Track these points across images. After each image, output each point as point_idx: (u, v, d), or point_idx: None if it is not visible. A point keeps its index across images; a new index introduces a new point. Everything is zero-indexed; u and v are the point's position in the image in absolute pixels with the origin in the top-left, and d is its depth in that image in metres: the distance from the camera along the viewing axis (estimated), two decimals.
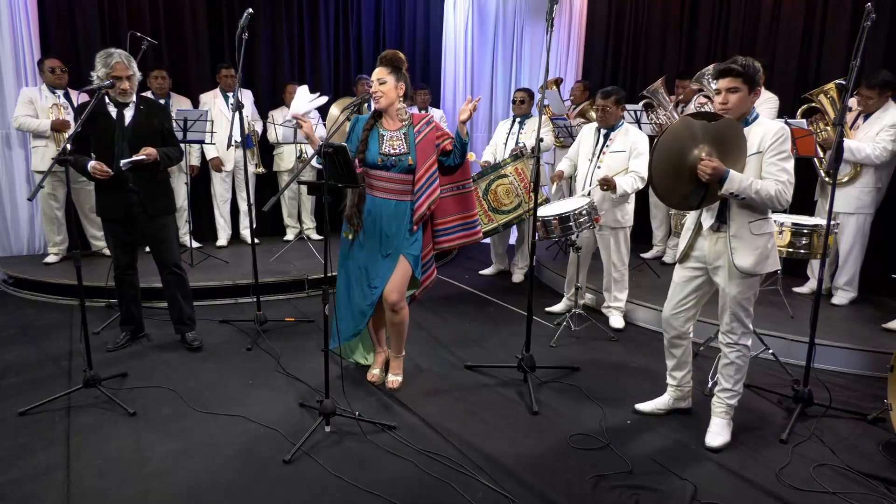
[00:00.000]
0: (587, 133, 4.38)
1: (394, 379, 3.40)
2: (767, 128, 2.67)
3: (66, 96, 5.10)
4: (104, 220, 3.74)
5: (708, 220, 2.81)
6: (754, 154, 2.67)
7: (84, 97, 5.13)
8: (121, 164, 3.42)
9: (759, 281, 2.81)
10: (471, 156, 5.20)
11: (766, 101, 4.82)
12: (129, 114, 3.54)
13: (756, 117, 2.73)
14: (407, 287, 3.27)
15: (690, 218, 2.93)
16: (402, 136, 3.14)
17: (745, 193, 2.59)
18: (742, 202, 2.67)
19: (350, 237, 3.27)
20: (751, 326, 2.84)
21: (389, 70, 3.10)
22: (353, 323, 3.33)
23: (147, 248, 4.01)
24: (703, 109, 4.77)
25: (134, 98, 3.56)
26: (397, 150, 3.12)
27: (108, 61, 3.36)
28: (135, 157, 3.43)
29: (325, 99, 3.22)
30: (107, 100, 3.51)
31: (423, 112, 6.31)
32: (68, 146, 2.95)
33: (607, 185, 4.02)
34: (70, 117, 5.05)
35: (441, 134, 3.19)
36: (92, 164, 3.43)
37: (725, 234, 2.74)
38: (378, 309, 3.32)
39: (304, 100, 3.17)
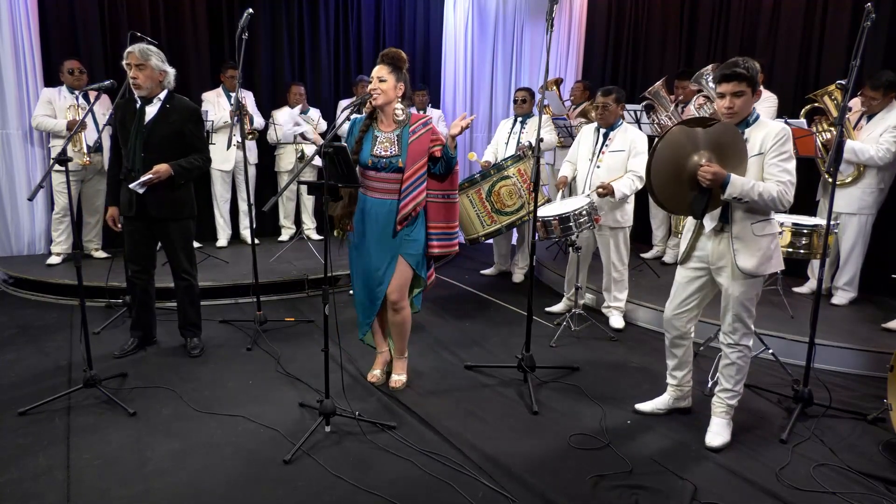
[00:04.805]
0: (586, 133, 4.37)
1: (397, 378, 3.40)
2: (769, 129, 2.65)
3: (85, 97, 5.13)
4: (122, 215, 3.61)
5: (710, 221, 2.80)
6: (756, 155, 2.65)
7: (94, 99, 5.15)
8: (129, 186, 3.36)
9: (763, 281, 2.81)
10: (472, 155, 5.21)
11: (765, 101, 4.81)
12: (150, 111, 3.43)
13: (757, 118, 2.71)
14: (410, 286, 3.28)
15: (691, 219, 2.91)
16: (396, 137, 3.12)
17: (747, 197, 2.57)
18: (745, 205, 2.65)
19: (337, 236, 3.28)
20: (752, 327, 2.83)
21: (390, 69, 3.07)
22: (364, 317, 3.39)
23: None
24: (702, 110, 4.77)
25: (161, 95, 3.45)
26: (388, 153, 3.10)
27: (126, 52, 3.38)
28: (143, 178, 3.33)
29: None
30: (136, 95, 3.43)
31: (421, 112, 6.32)
32: (68, 146, 2.95)
33: (605, 191, 4.03)
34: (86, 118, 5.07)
35: (436, 139, 3.14)
36: (109, 213, 3.61)
37: (728, 235, 2.74)
38: (382, 310, 3.33)
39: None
